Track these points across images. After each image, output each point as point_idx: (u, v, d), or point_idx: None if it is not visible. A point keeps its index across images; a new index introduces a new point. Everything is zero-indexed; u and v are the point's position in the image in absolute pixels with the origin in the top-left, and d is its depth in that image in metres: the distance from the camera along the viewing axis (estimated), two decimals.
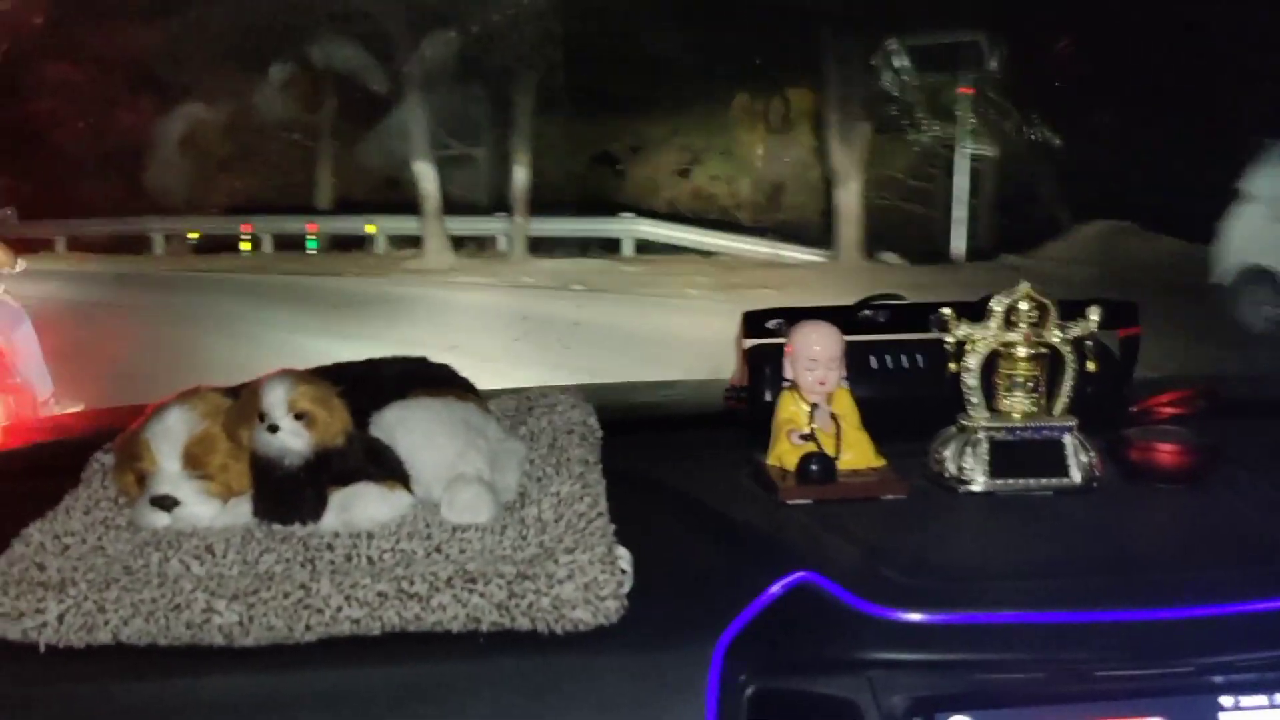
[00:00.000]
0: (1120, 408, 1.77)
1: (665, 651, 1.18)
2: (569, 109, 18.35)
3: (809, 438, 1.53)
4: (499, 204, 18.58)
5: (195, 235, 19.61)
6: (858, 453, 1.54)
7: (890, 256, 16.30)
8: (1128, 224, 15.11)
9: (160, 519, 1.35)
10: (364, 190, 20.07)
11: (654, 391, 2.45)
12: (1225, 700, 1.17)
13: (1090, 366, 1.55)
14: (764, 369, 1.73)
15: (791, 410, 1.56)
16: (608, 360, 9.92)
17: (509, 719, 1.14)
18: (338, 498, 1.34)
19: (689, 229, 17.85)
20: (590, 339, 11.03)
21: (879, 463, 1.55)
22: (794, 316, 1.66)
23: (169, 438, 1.36)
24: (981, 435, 1.53)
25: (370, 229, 18.84)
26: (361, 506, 1.34)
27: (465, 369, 1.61)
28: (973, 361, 1.53)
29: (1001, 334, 1.53)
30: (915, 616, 1.19)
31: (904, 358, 1.77)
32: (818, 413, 1.54)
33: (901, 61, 16.69)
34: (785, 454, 1.54)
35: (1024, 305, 1.53)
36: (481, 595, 1.18)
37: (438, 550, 1.28)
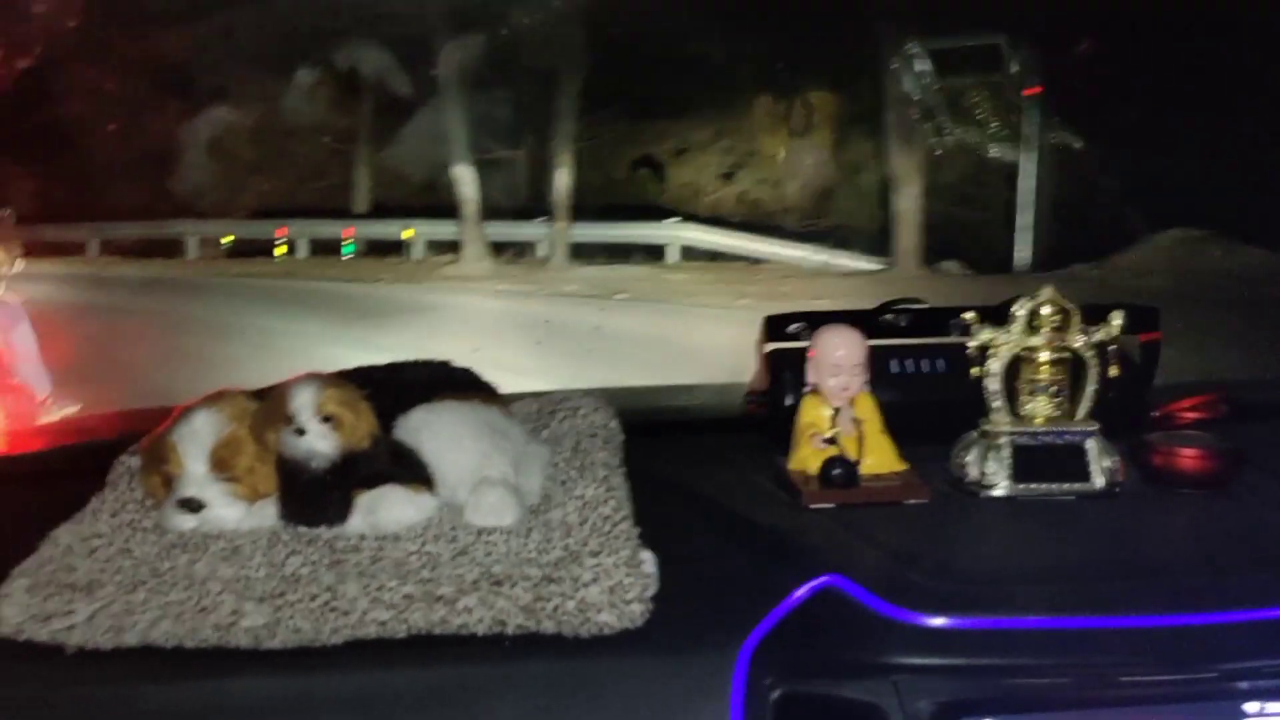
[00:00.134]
0: (1142, 412, 1.77)
1: (690, 655, 1.18)
2: (611, 111, 17.87)
3: (832, 442, 1.53)
4: (539, 209, 17.83)
5: (229, 239, 19.04)
6: (880, 457, 1.55)
7: (951, 265, 15.16)
8: (1206, 232, 14.18)
9: (187, 521, 1.36)
10: (401, 194, 19.48)
11: (674, 395, 2.46)
12: (1250, 706, 1.17)
13: (1113, 371, 1.54)
14: (785, 373, 1.74)
15: (814, 414, 1.56)
16: (659, 379, 9.16)
17: None
18: (364, 500, 1.35)
19: (737, 235, 16.86)
20: (636, 353, 10.23)
21: (901, 467, 1.55)
22: (816, 321, 1.67)
23: (196, 440, 1.36)
24: (1004, 440, 1.53)
25: (407, 234, 18.16)
26: (387, 509, 1.35)
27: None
28: (995, 366, 1.53)
29: (1024, 338, 1.54)
30: (940, 621, 1.19)
31: (925, 362, 1.77)
32: (840, 417, 1.55)
33: (945, 63, 16.02)
34: (808, 458, 1.54)
35: (1047, 310, 1.53)
36: (507, 598, 1.18)
37: (463, 553, 1.29)
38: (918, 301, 1.89)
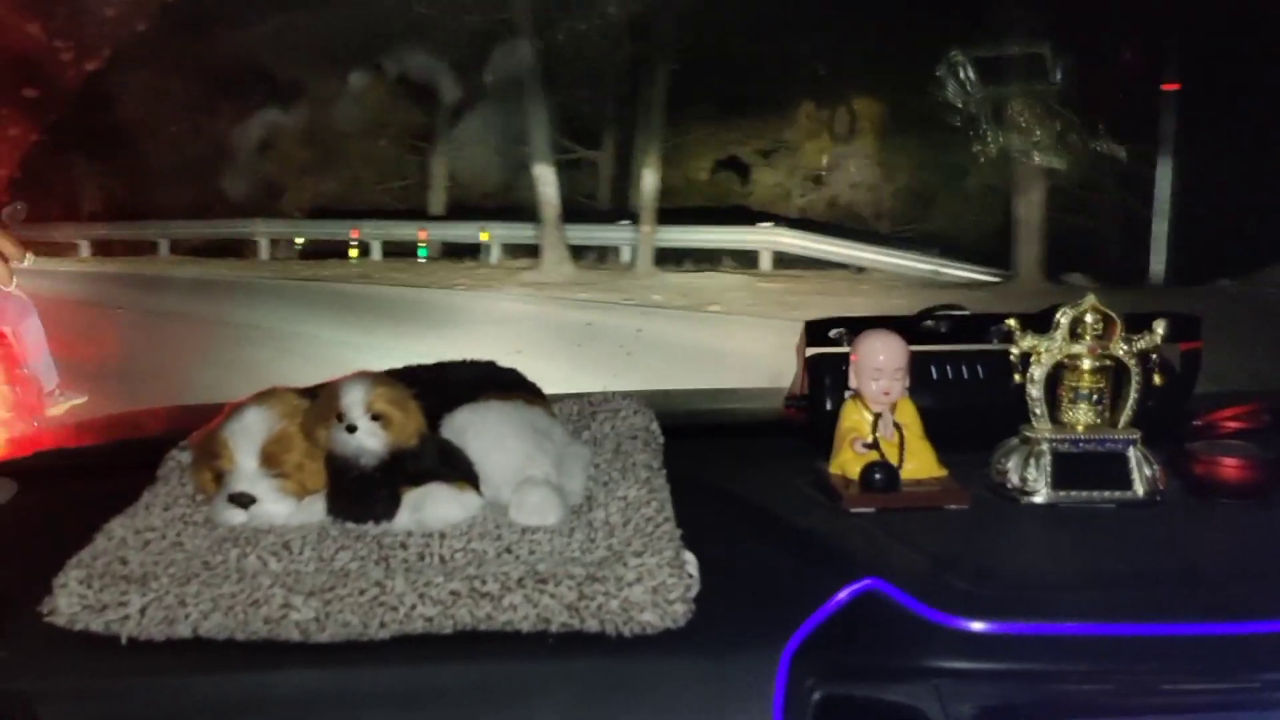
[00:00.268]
0: (1184, 421, 1.77)
1: (732, 656, 1.19)
2: (695, 110, 17.07)
3: (873, 446, 1.54)
4: (619, 212, 17.26)
5: (301, 241, 18.60)
6: (920, 462, 1.55)
7: (1077, 278, 13.55)
8: None
9: (237, 516, 1.38)
10: (478, 195, 18.76)
11: (714, 399, 2.47)
12: None
13: (1156, 380, 1.54)
14: (825, 378, 1.75)
15: (855, 419, 1.57)
16: None
17: None
18: (411, 498, 1.37)
19: (836, 241, 15.65)
20: (749, 379, 8.53)
21: (941, 472, 1.56)
22: (856, 326, 1.67)
23: (247, 436, 1.39)
24: (1045, 447, 1.53)
25: (484, 236, 17.38)
26: (434, 506, 1.36)
27: None
28: (1038, 373, 1.54)
29: (1067, 346, 1.54)
30: (981, 625, 1.20)
31: (966, 368, 1.78)
32: (881, 422, 1.56)
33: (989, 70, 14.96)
34: (848, 462, 1.55)
35: (1090, 317, 1.53)
36: (552, 596, 1.20)
37: (508, 551, 1.30)
38: (959, 308, 1.89)
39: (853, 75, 16.17)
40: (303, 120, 18.00)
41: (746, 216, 16.66)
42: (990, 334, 1.69)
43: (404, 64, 17.11)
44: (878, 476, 1.50)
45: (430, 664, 1.18)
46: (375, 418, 1.36)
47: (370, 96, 17.82)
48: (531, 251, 16.59)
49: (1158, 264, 13.79)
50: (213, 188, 17.76)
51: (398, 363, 1.58)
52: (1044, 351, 1.54)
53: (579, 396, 1.78)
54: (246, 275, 16.50)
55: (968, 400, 1.75)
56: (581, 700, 1.16)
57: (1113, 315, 1.54)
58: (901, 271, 14.83)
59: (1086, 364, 1.54)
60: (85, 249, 18.23)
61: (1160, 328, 1.54)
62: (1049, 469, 1.52)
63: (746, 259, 15.83)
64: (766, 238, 15.89)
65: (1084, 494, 1.52)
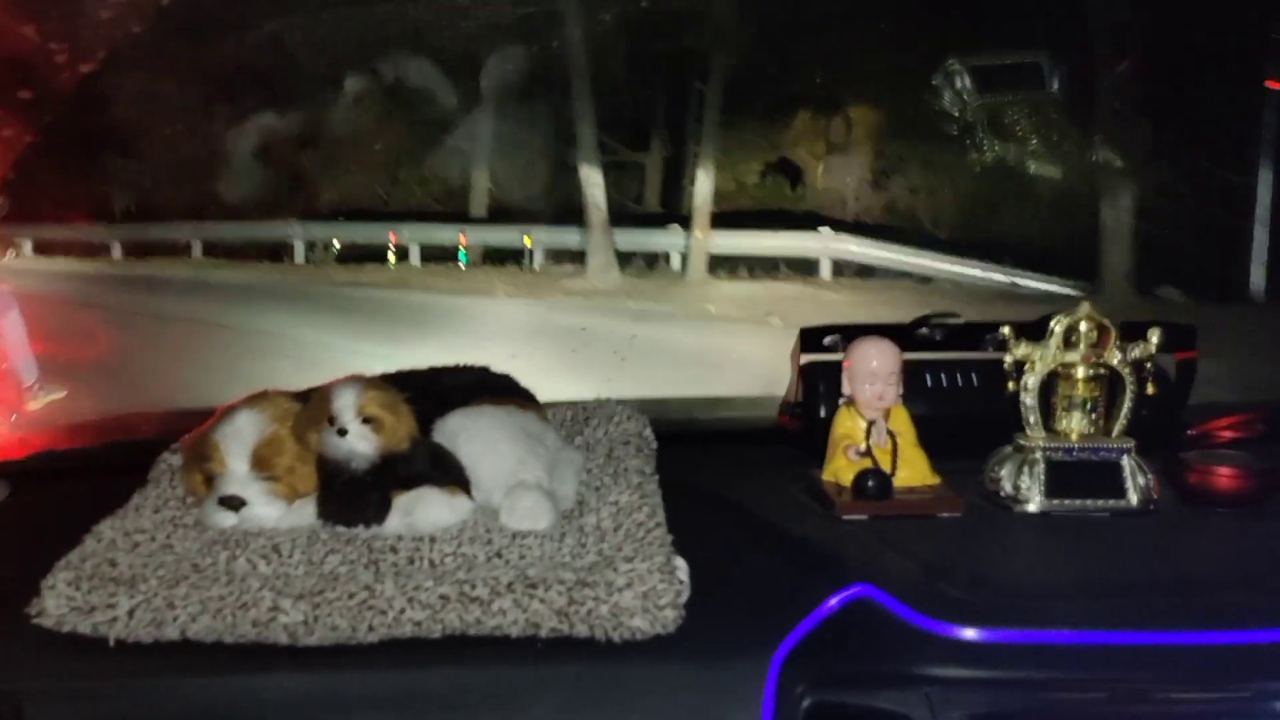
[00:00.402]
0: (1178, 430, 1.76)
1: (722, 662, 1.18)
2: (745, 109, 15.78)
3: (866, 454, 1.54)
4: (666, 216, 16.00)
5: (338, 244, 17.48)
6: (914, 470, 1.55)
7: (1170, 292, 12.20)
8: None
9: (227, 519, 1.38)
10: (520, 198, 17.34)
11: (708, 406, 2.46)
12: None
13: (1150, 389, 1.54)
14: (819, 385, 1.74)
15: (849, 426, 1.57)
16: None
17: None
18: (402, 501, 1.37)
19: (905, 249, 14.29)
20: None
21: (935, 480, 1.55)
22: (851, 333, 1.67)
23: (239, 439, 1.39)
24: (1038, 455, 1.53)
25: (527, 241, 16.11)
26: (424, 511, 1.36)
27: None
28: (1031, 381, 1.54)
29: (1061, 354, 1.54)
30: (973, 633, 1.20)
31: (960, 376, 1.77)
32: (875, 429, 1.55)
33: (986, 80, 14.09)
34: (841, 469, 1.55)
35: (1084, 326, 1.53)
36: (542, 601, 1.19)
37: (498, 555, 1.30)
38: (953, 316, 1.89)
39: (913, 74, 14.64)
40: (339, 118, 17.20)
41: (798, 221, 15.22)
42: (985, 342, 1.69)
43: (444, 59, 16.06)
44: (870, 484, 1.49)
45: (418, 668, 1.18)
46: (366, 421, 1.36)
47: (408, 93, 16.80)
48: (576, 257, 15.50)
49: (1258, 277, 12.19)
50: (244, 187, 16.98)
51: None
52: (1038, 360, 1.54)
53: (573, 403, 1.78)
54: (280, 280, 15.73)
55: (962, 408, 1.74)
56: (570, 706, 1.16)
57: (1107, 324, 1.53)
58: (972, 282, 13.50)
59: (1081, 372, 1.54)
60: (118, 250, 17.95)
61: (1155, 336, 1.54)
62: (1043, 477, 1.52)
63: (803, 267, 14.57)
64: (828, 244, 14.64)
65: (1078, 503, 1.52)
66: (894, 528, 1.45)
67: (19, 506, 1.63)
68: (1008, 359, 1.55)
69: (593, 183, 14.94)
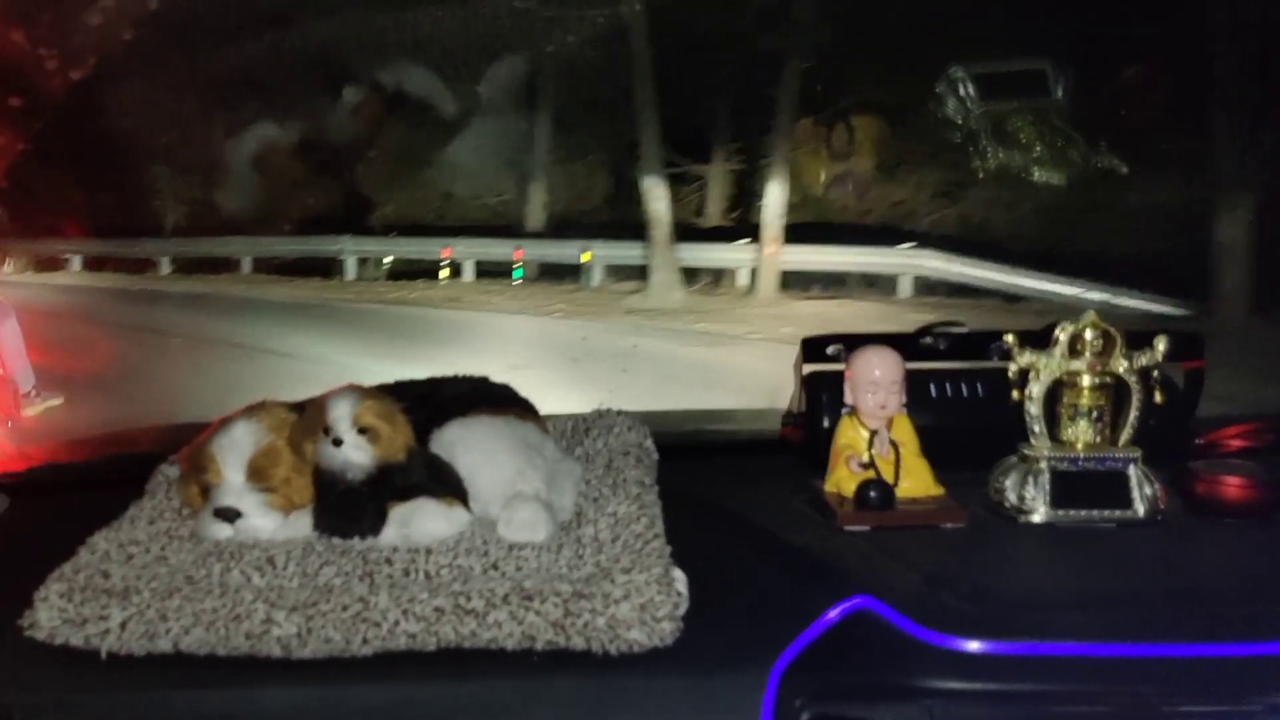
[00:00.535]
0: (1185, 440, 1.74)
1: (720, 675, 1.17)
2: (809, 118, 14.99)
3: (868, 464, 1.52)
4: (727, 230, 15.35)
5: (389, 261, 17.14)
6: (917, 480, 1.53)
7: None
8: None
9: (223, 530, 1.37)
10: (577, 211, 17.00)
11: (710, 417, 2.45)
12: None
13: (1157, 398, 1.52)
14: (822, 395, 1.73)
15: (851, 436, 1.55)
16: None
17: None
18: (398, 513, 1.36)
19: (994, 266, 13.17)
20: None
21: (938, 490, 1.54)
22: (853, 342, 1.66)
23: (235, 450, 1.38)
24: (1044, 465, 1.51)
25: (585, 257, 15.34)
26: (421, 522, 1.35)
27: None
28: (1036, 390, 1.52)
29: (1066, 363, 1.52)
30: (975, 645, 1.18)
31: (965, 386, 1.76)
32: (877, 439, 1.54)
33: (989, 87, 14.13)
34: (844, 480, 1.53)
35: (1089, 334, 1.51)
36: (537, 613, 1.18)
37: (495, 567, 1.29)
38: (958, 324, 1.88)
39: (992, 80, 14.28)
40: (395, 130, 17.04)
41: (870, 235, 14.35)
42: (990, 350, 1.67)
43: (501, 70, 15.77)
44: (872, 494, 1.48)
45: (413, 681, 1.17)
46: (362, 431, 1.35)
47: (463, 104, 16.43)
48: (638, 273, 14.76)
49: None
50: (299, 201, 17.14)
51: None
52: (1042, 368, 1.52)
53: (573, 414, 1.77)
54: (328, 297, 15.19)
55: (967, 418, 1.73)
56: (566, 718, 1.15)
57: (1113, 332, 1.52)
58: (1065, 302, 12.14)
59: (1086, 381, 1.52)
60: (166, 265, 17.92)
61: (1161, 345, 1.52)
62: (1047, 487, 1.50)
63: (879, 284, 13.82)
64: (910, 260, 13.70)
65: (1083, 513, 1.50)
66: (897, 539, 1.43)
67: (18, 519, 1.62)
68: (1012, 368, 1.54)
69: (656, 195, 14.21)
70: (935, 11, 13.09)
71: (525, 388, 1.63)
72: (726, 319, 12.10)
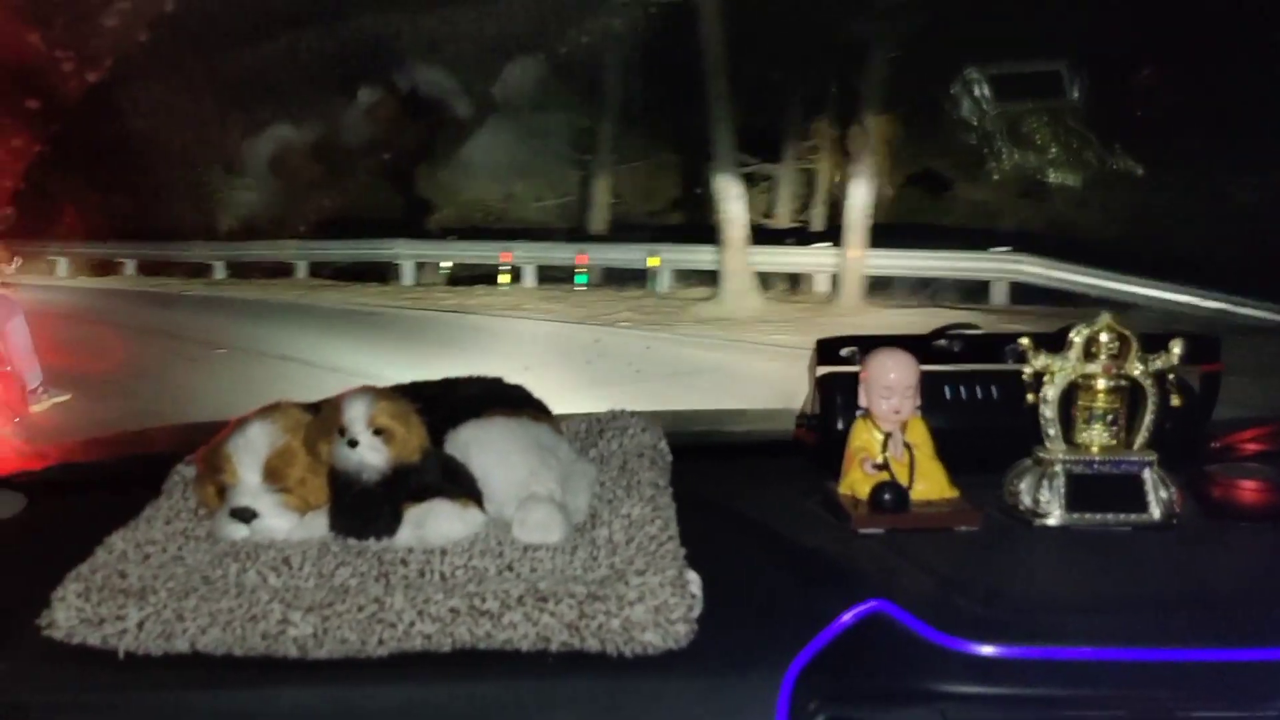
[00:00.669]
0: (1201, 443, 1.74)
1: (734, 677, 1.17)
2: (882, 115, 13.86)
3: (882, 467, 1.52)
4: (801, 233, 14.52)
5: (448, 265, 16.38)
6: (931, 483, 1.53)
7: None
8: None
9: (239, 531, 1.38)
10: (642, 212, 16.33)
11: (724, 419, 2.45)
12: None
13: (1174, 401, 1.52)
14: (836, 397, 1.73)
15: (865, 438, 1.55)
16: None
17: None
18: (413, 514, 1.36)
19: (1099, 273, 12.07)
20: None
21: (952, 493, 1.53)
22: (868, 345, 1.65)
23: (251, 451, 1.38)
24: (1058, 468, 1.51)
25: (653, 261, 14.48)
26: (435, 523, 1.35)
27: None
28: (1051, 393, 1.51)
29: (1081, 366, 1.51)
30: (989, 649, 1.18)
31: (980, 388, 1.75)
32: (891, 441, 1.53)
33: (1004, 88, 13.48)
34: (858, 482, 1.53)
35: (1105, 337, 1.51)
36: (552, 614, 1.18)
37: (509, 568, 1.29)
38: (972, 327, 1.87)
39: (1085, 71, 13.17)
40: (453, 130, 16.40)
41: (951, 237, 13.43)
42: (1005, 353, 1.67)
43: (562, 60, 14.88)
44: (887, 497, 1.47)
45: (428, 682, 1.17)
46: (378, 433, 1.35)
47: (523, 100, 15.67)
48: (707, 279, 13.89)
49: None
50: (352, 202, 16.65)
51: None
52: (1057, 371, 1.52)
53: (587, 415, 1.77)
54: (383, 304, 14.52)
55: (982, 420, 1.72)
56: None
57: (1128, 334, 1.51)
58: (1177, 310, 11.28)
59: (1101, 384, 1.51)
60: (221, 270, 17.71)
61: (1177, 348, 1.52)
62: (1063, 490, 1.50)
63: (969, 291, 12.79)
64: (1006, 265, 12.73)
65: (1098, 516, 1.49)
66: (911, 541, 1.43)
67: (34, 519, 1.63)
68: (1027, 370, 1.53)
69: (730, 194, 13.31)
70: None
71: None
72: (808, 329, 10.38)
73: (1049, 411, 1.52)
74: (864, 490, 1.51)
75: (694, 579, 1.25)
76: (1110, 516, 1.49)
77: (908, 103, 14.05)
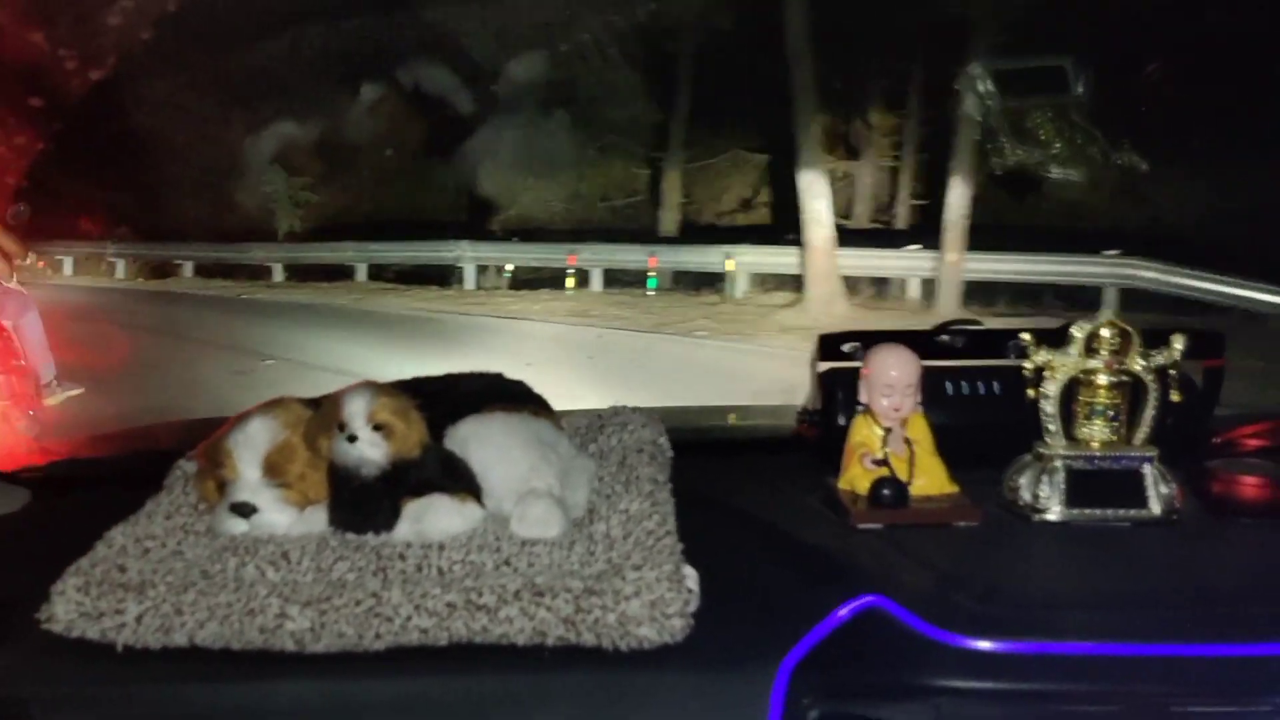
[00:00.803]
0: (1203, 439, 1.73)
1: (729, 672, 1.17)
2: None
3: (882, 462, 1.52)
4: (885, 234, 13.76)
5: (511, 269, 15.77)
6: (931, 478, 1.53)
7: None
8: None
9: (238, 525, 1.38)
10: (714, 212, 15.48)
11: (725, 415, 2.45)
12: None
13: (1175, 396, 1.51)
14: (837, 393, 1.72)
15: (865, 434, 1.55)
16: None
17: None
18: (411, 509, 1.36)
19: (1222, 279, 11.05)
20: None
21: (952, 489, 1.53)
22: (870, 340, 1.65)
23: (251, 446, 1.39)
24: (1059, 463, 1.50)
25: (729, 265, 13.49)
26: (434, 518, 1.36)
27: None
28: (1051, 388, 1.51)
29: (1082, 361, 1.51)
30: (986, 644, 1.18)
31: (981, 384, 1.75)
32: (891, 437, 1.53)
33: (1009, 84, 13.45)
34: (857, 478, 1.53)
35: (1106, 332, 1.50)
36: (548, 609, 1.18)
37: (507, 563, 1.29)
38: (974, 322, 1.87)
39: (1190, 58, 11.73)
40: (517, 128, 15.50)
41: (1046, 240, 12.46)
42: (1007, 349, 1.67)
43: (632, 52, 14.02)
44: (886, 492, 1.48)
45: (424, 676, 1.17)
46: (377, 428, 1.35)
47: (590, 94, 14.78)
48: (788, 283, 13.00)
49: None
50: (412, 203, 16.21)
51: None
52: (1058, 366, 1.51)
53: (588, 411, 1.77)
54: (442, 309, 13.85)
55: (982, 416, 1.72)
56: (577, 715, 1.15)
57: (1130, 330, 1.51)
58: None
59: (1102, 379, 1.51)
60: (279, 273, 17.40)
61: (1179, 343, 1.51)
62: (1063, 486, 1.49)
63: (1075, 297, 11.91)
64: (1118, 270, 11.74)
65: (1098, 512, 1.49)
66: (910, 537, 1.43)
67: (37, 514, 1.64)
68: (1028, 365, 1.53)
69: (815, 193, 12.36)
70: None
71: None
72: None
73: (1050, 407, 1.52)
74: (864, 485, 1.51)
75: (691, 574, 1.25)
76: (1110, 512, 1.49)
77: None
